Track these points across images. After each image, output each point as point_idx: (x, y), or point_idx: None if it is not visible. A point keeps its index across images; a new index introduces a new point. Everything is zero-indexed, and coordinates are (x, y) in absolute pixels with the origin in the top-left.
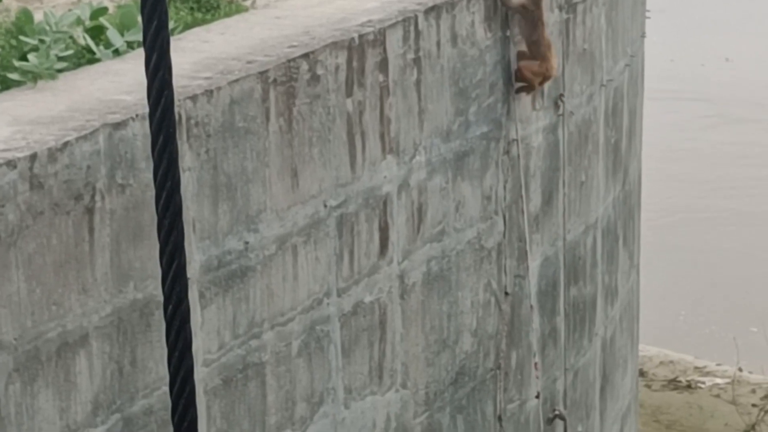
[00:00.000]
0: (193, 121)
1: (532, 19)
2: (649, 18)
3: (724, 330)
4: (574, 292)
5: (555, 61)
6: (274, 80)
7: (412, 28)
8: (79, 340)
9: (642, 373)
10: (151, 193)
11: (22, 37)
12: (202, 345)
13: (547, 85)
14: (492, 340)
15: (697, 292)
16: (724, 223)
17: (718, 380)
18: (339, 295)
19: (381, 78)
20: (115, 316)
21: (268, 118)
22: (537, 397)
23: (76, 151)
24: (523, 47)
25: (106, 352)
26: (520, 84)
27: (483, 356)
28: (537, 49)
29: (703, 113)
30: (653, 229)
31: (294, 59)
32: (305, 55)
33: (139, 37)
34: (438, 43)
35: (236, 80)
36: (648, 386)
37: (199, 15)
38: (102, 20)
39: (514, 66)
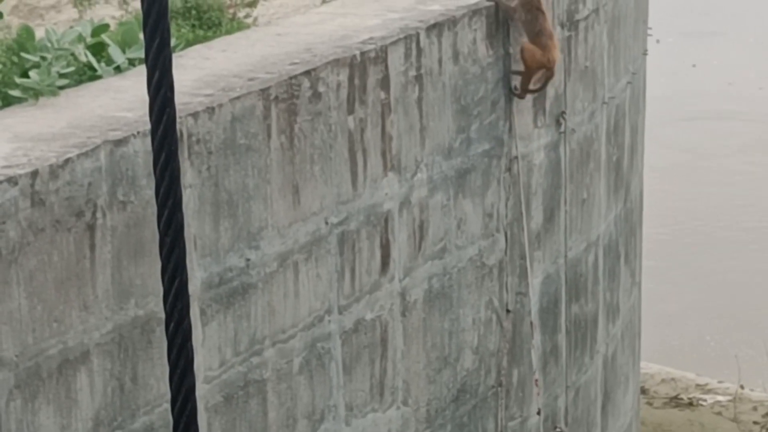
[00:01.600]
0: (194, 138)
1: (531, 9)
2: (650, 36)
3: (726, 347)
4: (576, 309)
5: (556, 52)
6: (276, 97)
7: (413, 45)
8: (80, 356)
9: (643, 391)
10: (152, 210)
11: (23, 54)
12: (203, 362)
13: (548, 102)
14: (493, 358)
15: (702, 310)
16: (752, 243)
17: (720, 398)
18: (340, 313)
19: (382, 95)
20: (116, 333)
21: (269, 135)
22: (538, 414)
23: (77, 168)
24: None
25: (107, 369)
26: (517, 70)
27: (484, 373)
28: (540, 40)
29: (761, 136)
30: (678, 247)
31: (295, 76)
32: (307, 72)
33: (141, 54)
34: (440, 61)
35: (238, 97)
36: (649, 404)
37: (200, 32)
38: (103, 37)
39: (512, 82)
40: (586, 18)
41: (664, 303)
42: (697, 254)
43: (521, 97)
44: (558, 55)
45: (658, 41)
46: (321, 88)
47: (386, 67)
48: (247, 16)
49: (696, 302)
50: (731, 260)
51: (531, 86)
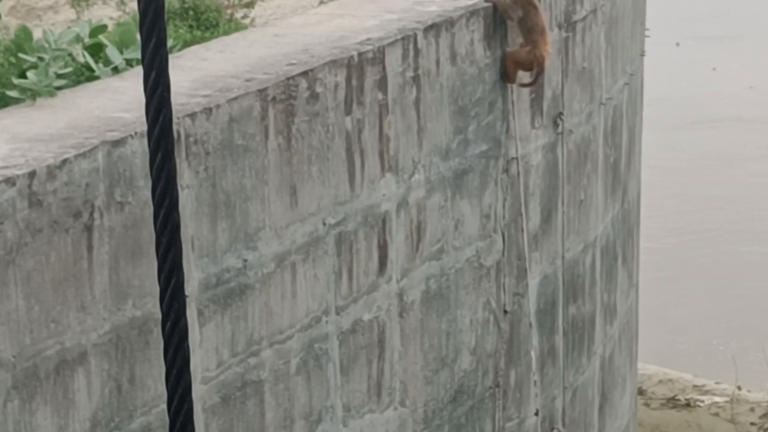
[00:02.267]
0: (192, 139)
1: (523, 5)
2: (648, 36)
3: (724, 348)
4: (573, 310)
5: (547, 48)
6: (273, 98)
7: (411, 46)
8: (77, 357)
9: (641, 392)
10: (150, 210)
11: (21, 55)
12: (200, 363)
13: (546, 103)
14: (491, 359)
15: (698, 311)
16: (757, 246)
17: (717, 399)
18: (338, 313)
19: (380, 96)
20: (113, 334)
21: (267, 136)
22: (536, 414)
23: (74, 169)
24: (519, 40)
25: (105, 370)
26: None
27: (482, 374)
28: (530, 36)
29: None
30: (685, 250)
31: (293, 77)
32: (304, 73)
33: (138, 54)
34: (437, 62)
35: (235, 98)
36: (647, 405)
37: (198, 33)
38: (101, 38)
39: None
40: (584, 19)
41: (661, 304)
42: (702, 257)
43: (510, 82)
44: (549, 51)
45: (678, 44)
46: (318, 89)
47: (384, 68)
48: (245, 16)
49: (695, 304)
50: (733, 262)
51: (525, 81)
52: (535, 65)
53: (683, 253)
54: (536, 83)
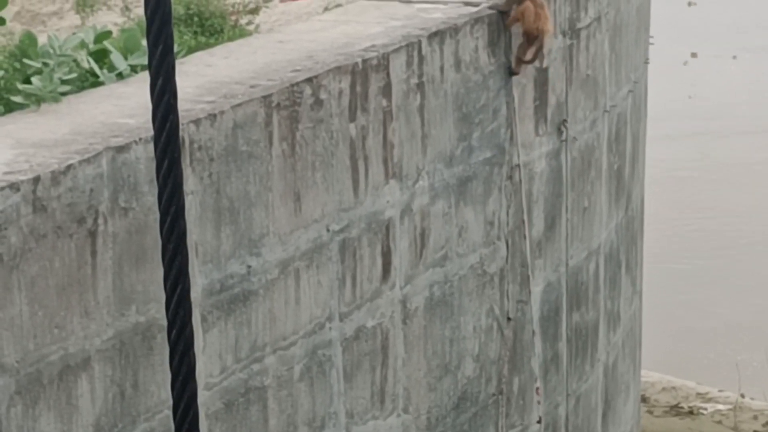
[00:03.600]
0: (196, 145)
1: None
2: (652, 44)
3: (727, 356)
4: (577, 317)
5: (548, 23)
6: (278, 104)
7: (415, 53)
8: (81, 363)
9: (644, 399)
10: (154, 216)
11: (25, 60)
12: (204, 369)
13: (550, 110)
14: (494, 366)
15: (702, 319)
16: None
17: (720, 406)
18: (341, 320)
19: (384, 103)
20: (117, 340)
21: (271, 142)
22: (538, 422)
23: (79, 175)
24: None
25: (108, 376)
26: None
27: (485, 381)
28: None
29: None
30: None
31: (297, 83)
32: (308, 80)
33: (143, 60)
34: (441, 68)
35: (239, 104)
36: (650, 412)
37: (202, 39)
38: (106, 44)
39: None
40: (588, 26)
41: (665, 312)
42: (706, 263)
43: (516, 72)
44: (550, 27)
45: (735, 57)
46: (323, 96)
47: (388, 74)
48: (249, 23)
49: (698, 312)
50: (735, 266)
51: (525, 57)
52: (536, 39)
53: (688, 259)
54: (535, 59)
